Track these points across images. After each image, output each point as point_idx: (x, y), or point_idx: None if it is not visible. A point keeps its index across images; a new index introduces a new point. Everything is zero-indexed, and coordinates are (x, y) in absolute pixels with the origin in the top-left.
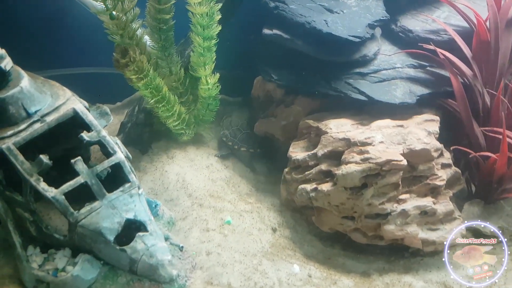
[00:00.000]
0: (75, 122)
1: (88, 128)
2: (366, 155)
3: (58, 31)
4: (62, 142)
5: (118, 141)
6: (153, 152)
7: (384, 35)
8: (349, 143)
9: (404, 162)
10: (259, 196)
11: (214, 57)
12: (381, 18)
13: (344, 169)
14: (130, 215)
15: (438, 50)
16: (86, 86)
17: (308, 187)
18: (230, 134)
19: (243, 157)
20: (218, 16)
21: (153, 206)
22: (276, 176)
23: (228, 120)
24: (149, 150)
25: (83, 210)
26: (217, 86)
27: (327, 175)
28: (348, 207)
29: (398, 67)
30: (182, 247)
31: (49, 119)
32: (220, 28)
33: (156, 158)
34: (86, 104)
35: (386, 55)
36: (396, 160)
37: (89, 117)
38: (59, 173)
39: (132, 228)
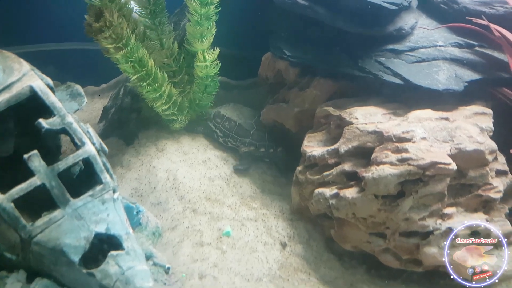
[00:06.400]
0: (39, 106)
1: (51, 112)
2: (404, 155)
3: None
4: (20, 132)
5: (90, 129)
6: (140, 143)
7: (420, 7)
8: (382, 138)
9: (454, 166)
10: (265, 199)
11: (214, 28)
12: None
13: (375, 171)
14: (101, 228)
15: (492, 26)
16: (63, 65)
17: (327, 192)
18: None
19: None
20: None
21: (134, 213)
22: (286, 175)
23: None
24: (135, 141)
25: (39, 222)
26: (217, 64)
27: (352, 178)
28: (378, 221)
29: (440, 46)
30: (169, 268)
31: None
32: None
33: (143, 150)
34: (50, 81)
35: (425, 30)
36: (444, 163)
37: (51, 98)
38: (15, 173)
39: (103, 245)
